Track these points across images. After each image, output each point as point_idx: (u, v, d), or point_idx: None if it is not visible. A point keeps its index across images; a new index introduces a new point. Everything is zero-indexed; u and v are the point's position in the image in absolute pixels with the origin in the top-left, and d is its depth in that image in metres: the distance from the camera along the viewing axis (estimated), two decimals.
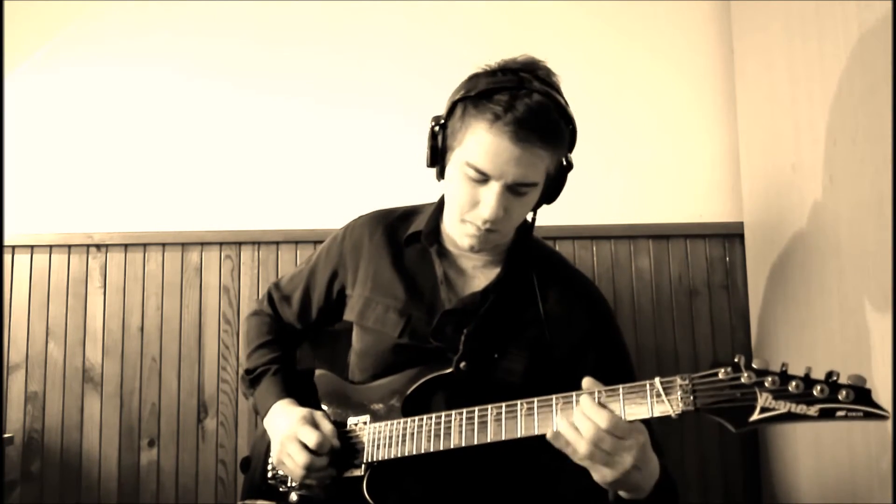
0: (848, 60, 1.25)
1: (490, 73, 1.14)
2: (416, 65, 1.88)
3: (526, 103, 1.08)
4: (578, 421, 0.97)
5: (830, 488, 1.36)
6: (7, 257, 1.83)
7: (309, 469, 1.16)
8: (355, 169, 1.87)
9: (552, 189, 1.20)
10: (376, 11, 1.91)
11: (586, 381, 1.02)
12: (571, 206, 1.83)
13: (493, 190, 1.11)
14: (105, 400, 1.80)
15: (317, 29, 1.91)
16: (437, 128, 1.18)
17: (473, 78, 1.16)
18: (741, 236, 1.80)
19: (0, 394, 1.78)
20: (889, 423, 1.13)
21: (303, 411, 1.21)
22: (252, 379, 1.34)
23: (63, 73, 1.90)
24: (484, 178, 1.11)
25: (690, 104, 1.87)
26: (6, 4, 1.81)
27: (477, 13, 1.89)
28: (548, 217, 1.79)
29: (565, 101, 1.16)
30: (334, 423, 1.23)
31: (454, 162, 1.16)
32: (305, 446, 1.16)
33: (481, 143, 1.10)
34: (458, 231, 1.20)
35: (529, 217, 1.26)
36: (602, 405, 0.97)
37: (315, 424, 1.19)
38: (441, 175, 1.21)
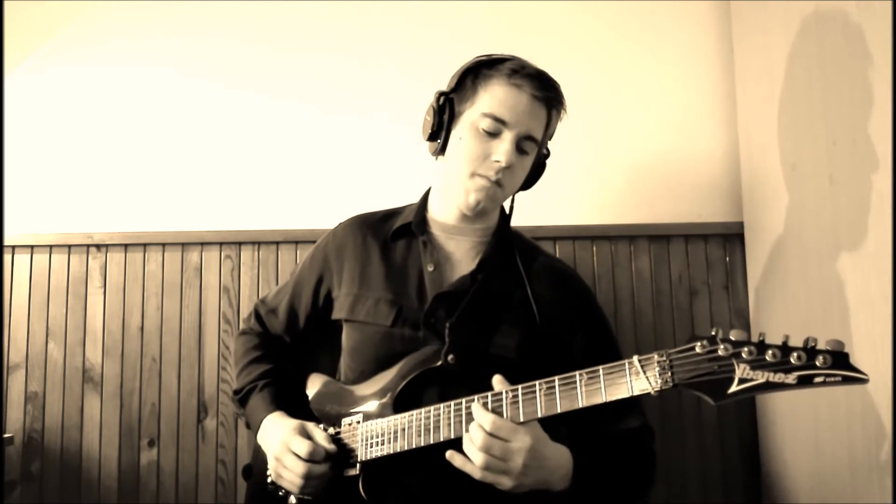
0: (848, 60, 1.25)
1: (487, 56, 1.27)
2: (415, 66, 1.88)
3: (534, 67, 1.24)
4: (472, 431, 1.04)
5: (830, 488, 1.36)
6: (7, 257, 1.83)
7: (307, 478, 1.16)
8: (355, 169, 1.87)
9: (534, 171, 1.30)
10: (376, 13, 1.90)
11: (496, 381, 1.07)
12: (571, 206, 1.85)
13: (506, 139, 1.21)
14: (105, 400, 1.80)
15: (318, 30, 1.91)
16: (442, 100, 1.26)
17: (474, 59, 1.27)
18: (741, 236, 1.79)
19: (0, 394, 1.78)
20: (889, 424, 1.13)
21: (292, 423, 1.22)
22: (241, 399, 1.35)
23: (63, 73, 1.90)
24: (497, 131, 1.21)
25: (690, 104, 1.87)
26: (6, 4, 1.82)
27: (476, 15, 1.89)
28: (548, 217, 1.81)
29: None
30: (327, 428, 1.23)
31: (464, 123, 1.24)
32: (300, 456, 1.16)
33: (499, 94, 1.21)
34: (466, 188, 1.25)
35: (507, 205, 1.34)
36: (491, 410, 1.04)
37: (306, 434, 1.20)
38: (442, 149, 1.28)
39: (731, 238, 1.82)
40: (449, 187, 1.30)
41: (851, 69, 1.24)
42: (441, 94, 1.27)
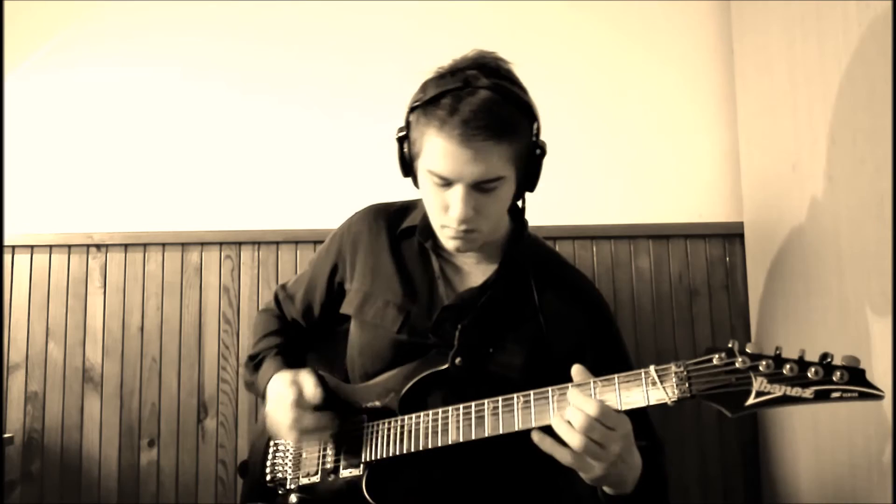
0: (848, 60, 1.25)
1: (439, 77, 1.15)
2: (415, 66, 1.86)
3: (470, 102, 1.08)
4: (571, 414, 0.97)
5: (830, 488, 1.36)
6: (7, 257, 1.83)
7: (298, 427, 1.16)
8: (355, 169, 1.87)
9: (528, 177, 1.18)
10: (377, 13, 1.91)
11: (576, 371, 1.03)
12: (571, 206, 1.85)
13: (457, 192, 1.12)
14: (105, 400, 1.80)
15: (318, 30, 1.91)
16: (401, 139, 1.19)
17: (424, 85, 1.17)
18: (741, 236, 1.80)
19: (0, 394, 1.78)
20: (889, 423, 1.13)
21: (288, 374, 1.22)
22: (255, 364, 1.35)
23: (63, 73, 1.90)
24: (447, 182, 1.12)
25: (690, 104, 1.87)
26: (6, 4, 1.81)
27: (477, 15, 1.89)
28: (548, 217, 1.80)
29: (521, 88, 1.15)
30: (335, 415, 1.23)
31: (420, 170, 1.17)
32: (291, 405, 1.16)
33: (435, 149, 1.11)
34: (441, 235, 1.21)
35: (519, 204, 1.26)
36: (589, 395, 0.98)
37: (297, 384, 1.19)
38: (416, 184, 1.22)
39: (731, 238, 1.82)
40: (432, 224, 1.23)
41: (851, 69, 1.24)
42: (399, 132, 1.19)
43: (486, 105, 1.08)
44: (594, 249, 1.83)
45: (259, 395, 1.33)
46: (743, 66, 1.76)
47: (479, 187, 1.12)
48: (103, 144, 1.89)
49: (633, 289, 1.81)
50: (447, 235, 1.18)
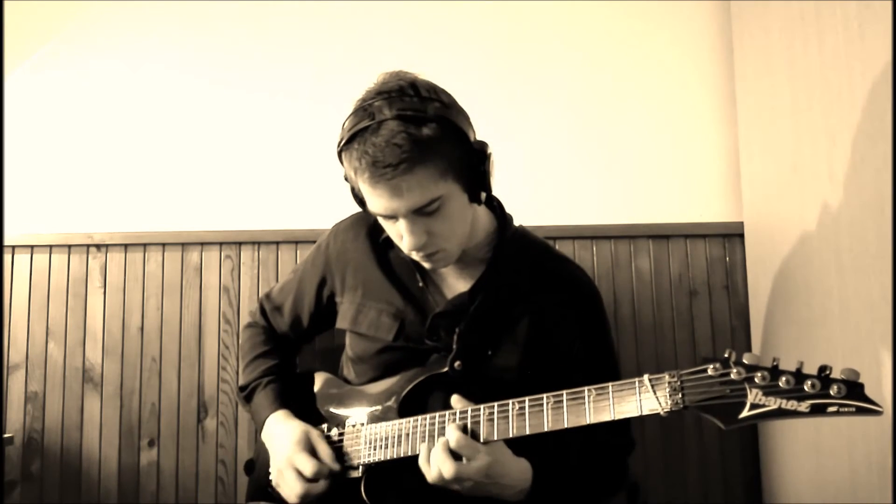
0: (848, 60, 1.25)
1: (353, 114, 1.14)
2: (416, 65, 1.87)
3: (374, 143, 1.06)
4: (437, 461, 1.06)
5: (830, 489, 1.36)
6: (7, 257, 1.83)
7: (305, 497, 1.16)
8: None
9: (476, 180, 1.14)
10: (377, 12, 1.90)
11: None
12: (571, 206, 1.85)
13: (402, 224, 1.12)
14: (105, 400, 1.80)
15: (318, 29, 1.91)
16: (346, 177, 1.19)
17: (342, 125, 1.16)
18: (741, 236, 1.79)
19: (0, 394, 1.78)
20: (889, 424, 1.13)
21: (298, 433, 1.21)
22: (245, 396, 1.35)
23: (63, 73, 1.90)
24: (389, 216, 1.13)
25: (690, 104, 1.87)
26: (6, 4, 1.81)
27: (477, 14, 1.89)
28: (548, 217, 1.81)
29: (433, 101, 1.11)
30: (329, 439, 1.23)
31: None
32: (303, 474, 1.17)
33: (363, 191, 1.13)
34: (414, 257, 1.20)
35: (478, 205, 1.23)
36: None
37: (312, 449, 1.20)
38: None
39: (731, 238, 1.81)
40: None
41: (851, 69, 1.24)
42: (344, 174, 1.19)
43: (391, 140, 1.05)
44: (594, 249, 1.83)
45: (256, 427, 1.33)
46: (743, 66, 1.76)
47: (421, 212, 1.10)
48: (103, 144, 1.89)
49: (633, 289, 1.81)
50: (416, 258, 1.19)
